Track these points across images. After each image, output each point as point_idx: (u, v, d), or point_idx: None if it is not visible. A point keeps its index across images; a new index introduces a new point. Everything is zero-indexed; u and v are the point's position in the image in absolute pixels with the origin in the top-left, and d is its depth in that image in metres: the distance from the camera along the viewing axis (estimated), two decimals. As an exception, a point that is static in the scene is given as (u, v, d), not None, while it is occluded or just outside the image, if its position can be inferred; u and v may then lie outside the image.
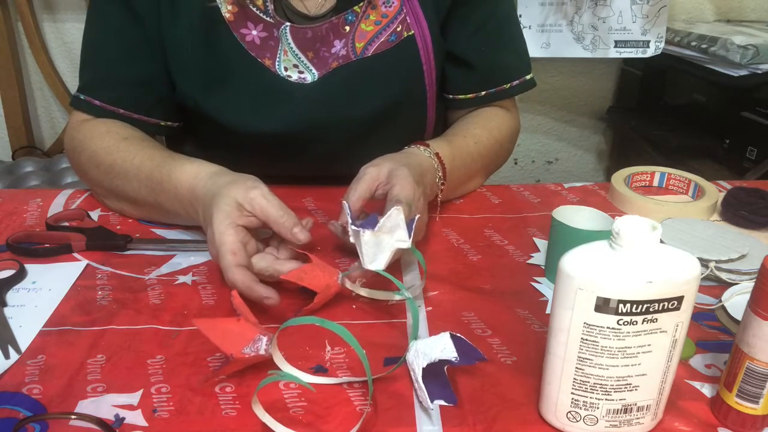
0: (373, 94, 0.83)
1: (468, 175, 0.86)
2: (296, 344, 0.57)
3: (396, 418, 0.50)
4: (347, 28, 0.82)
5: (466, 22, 0.86)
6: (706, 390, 0.53)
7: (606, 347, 0.44)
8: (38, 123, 1.85)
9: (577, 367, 0.46)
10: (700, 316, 0.63)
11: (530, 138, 2.01)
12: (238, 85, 0.81)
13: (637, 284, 0.43)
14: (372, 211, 0.66)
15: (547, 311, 0.63)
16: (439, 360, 0.50)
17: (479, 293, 0.66)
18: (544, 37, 1.70)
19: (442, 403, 0.49)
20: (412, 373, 0.52)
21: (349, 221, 0.61)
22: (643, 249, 0.43)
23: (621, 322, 0.43)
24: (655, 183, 0.92)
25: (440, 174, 0.77)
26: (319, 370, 0.54)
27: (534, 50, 1.67)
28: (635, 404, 0.47)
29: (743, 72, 1.43)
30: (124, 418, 0.49)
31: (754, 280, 0.46)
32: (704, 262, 0.68)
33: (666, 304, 0.43)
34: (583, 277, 0.43)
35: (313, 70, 0.83)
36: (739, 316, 0.59)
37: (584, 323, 0.44)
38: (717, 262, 0.68)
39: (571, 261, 0.45)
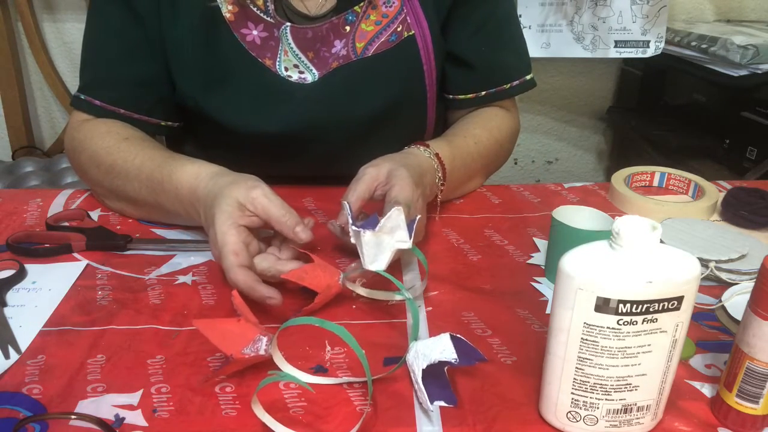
0: (374, 94, 0.83)
1: (468, 175, 0.86)
2: (296, 344, 0.57)
3: (396, 418, 0.50)
4: (347, 28, 0.82)
5: (467, 22, 0.86)
6: (706, 390, 0.53)
7: (606, 347, 0.44)
8: (38, 123, 1.85)
9: (577, 367, 0.46)
10: (700, 316, 0.63)
11: (530, 138, 2.01)
12: (238, 85, 0.81)
13: (637, 284, 0.43)
14: (371, 212, 0.66)
15: (547, 311, 0.63)
16: (439, 362, 0.50)
17: (479, 293, 0.66)
18: (544, 37, 1.70)
19: (443, 404, 0.49)
20: (412, 375, 0.52)
21: (350, 222, 0.61)
22: (643, 249, 0.43)
23: (621, 322, 0.43)
24: (655, 183, 0.92)
25: (440, 174, 0.77)
26: (319, 370, 0.54)
27: (534, 50, 1.67)
28: (635, 404, 0.47)
29: (743, 72, 1.43)
30: (124, 418, 0.49)
31: (754, 280, 0.46)
32: (704, 262, 0.68)
33: (666, 304, 0.43)
34: (583, 277, 0.43)
35: (314, 70, 0.83)
36: (739, 316, 0.59)
37: (584, 323, 0.44)
38: (717, 262, 0.68)
39: (571, 261, 0.45)
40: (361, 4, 0.82)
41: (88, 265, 0.70)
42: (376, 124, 0.85)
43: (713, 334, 0.60)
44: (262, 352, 0.51)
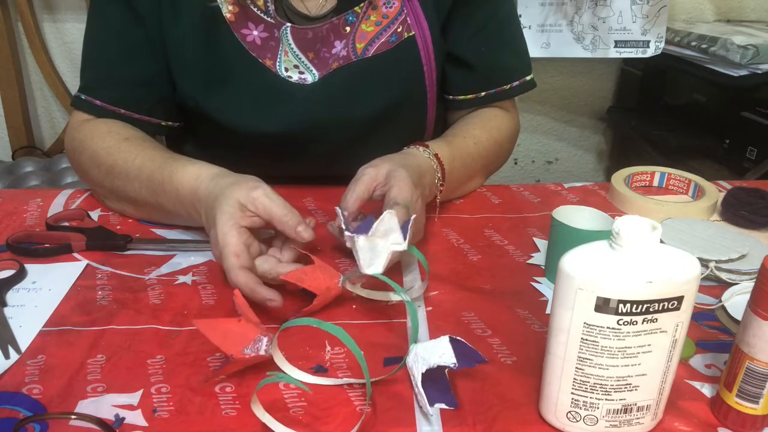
0: (374, 94, 0.83)
1: (467, 175, 0.86)
2: (296, 344, 0.57)
3: (396, 419, 0.50)
4: (348, 28, 0.82)
5: (467, 22, 0.86)
6: (706, 390, 0.53)
7: (606, 347, 0.44)
8: (38, 123, 1.85)
9: (577, 367, 0.46)
10: (700, 316, 0.63)
11: (530, 138, 2.01)
12: (238, 85, 0.81)
13: (637, 284, 0.43)
14: (370, 212, 0.66)
15: (547, 311, 0.63)
16: (438, 366, 0.50)
17: (479, 293, 0.66)
18: (544, 37, 1.70)
19: (443, 406, 0.49)
20: (411, 378, 0.52)
21: (344, 227, 0.61)
22: (643, 249, 0.43)
23: (621, 322, 0.43)
24: (655, 183, 0.92)
25: (439, 175, 0.77)
26: (319, 371, 0.54)
27: (534, 50, 1.67)
28: (635, 404, 0.47)
29: (743, 72, 1.43)
30: (124, 418, 0.49)
31: (754, 280, 0.46)
32: (704, 262, 0.68)
33: (666, 304, 0.43)
34: (583, 277, 0.43)
35: (314, 71, 0.83)
36: (739, 316, 0.59)
37: (584, 323, 0.44)
38: (717, 262, 0.68)
39: (571, 261, 0.45)
40: (362, 4, 0.82)
41: (88, 265, 0.70)
42: (376, 125, 0.85)
43: (713, 334, 0.61)
44: (262, 353, 0.51)
